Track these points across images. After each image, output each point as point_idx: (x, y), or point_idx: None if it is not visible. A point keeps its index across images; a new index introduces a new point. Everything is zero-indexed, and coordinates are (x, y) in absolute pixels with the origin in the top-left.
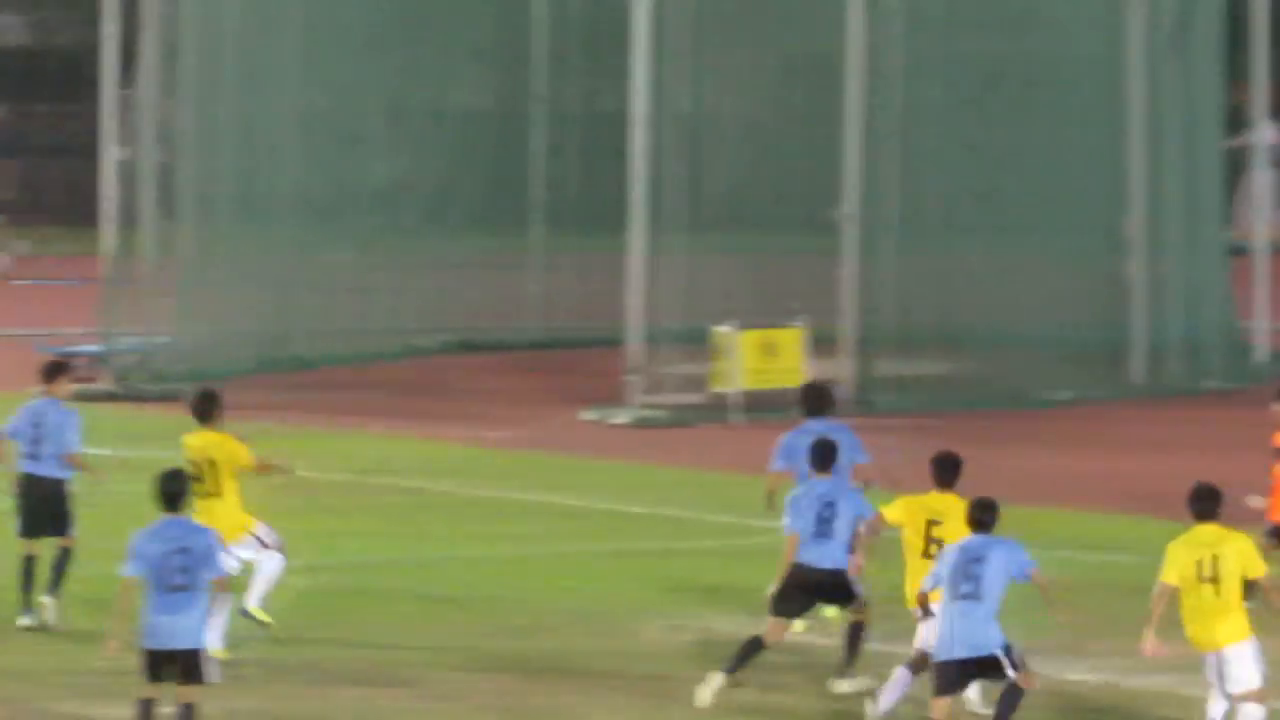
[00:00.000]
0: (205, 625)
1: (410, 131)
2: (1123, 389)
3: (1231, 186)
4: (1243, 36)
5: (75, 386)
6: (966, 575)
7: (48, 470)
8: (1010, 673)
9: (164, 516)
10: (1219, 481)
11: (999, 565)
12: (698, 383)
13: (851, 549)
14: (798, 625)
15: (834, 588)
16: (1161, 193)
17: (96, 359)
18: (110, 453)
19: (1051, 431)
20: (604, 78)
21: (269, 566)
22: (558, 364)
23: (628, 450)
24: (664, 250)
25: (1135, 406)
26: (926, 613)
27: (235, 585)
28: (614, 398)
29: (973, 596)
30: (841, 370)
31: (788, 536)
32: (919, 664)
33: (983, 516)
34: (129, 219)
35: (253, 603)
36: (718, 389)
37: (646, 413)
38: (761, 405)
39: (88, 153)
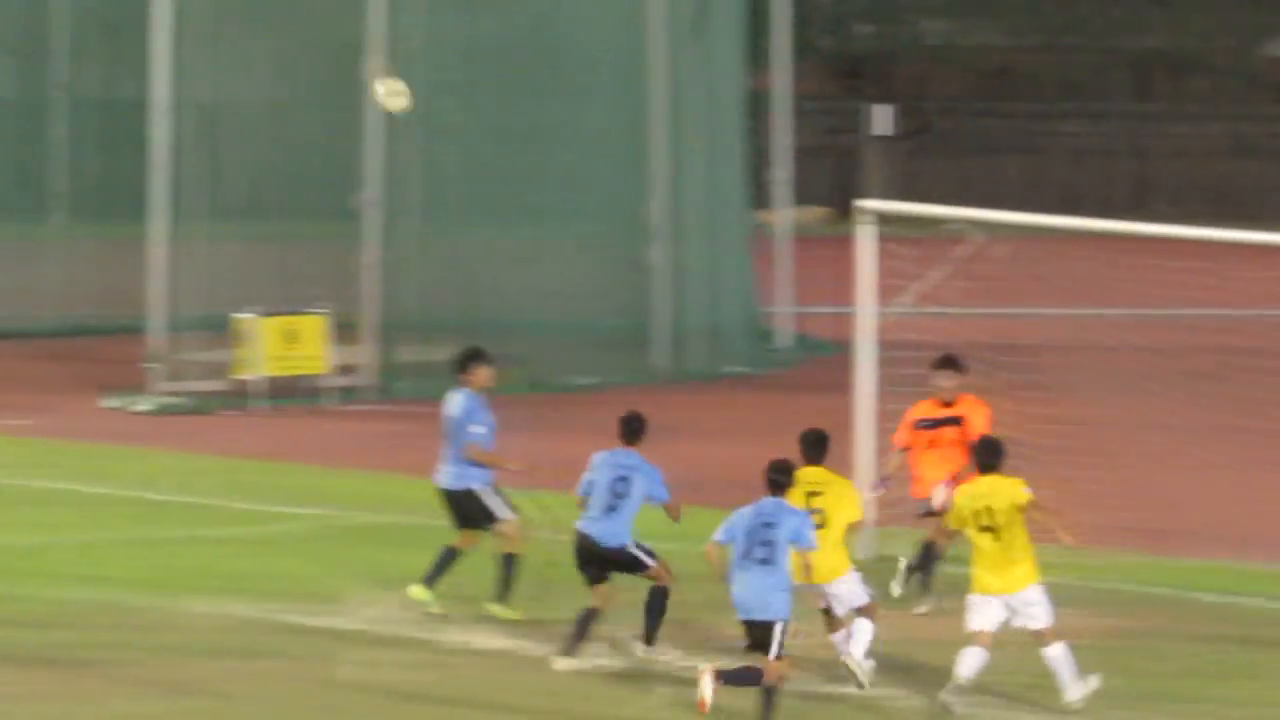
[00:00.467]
0: None
1: None
2: (646, 374)
3: (758, 172)
4: (763, 24)
5: None
6: (761, 540)
7: None
8: (772, 651)
9: None
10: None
11: (787, 533)
12: (219, 370)
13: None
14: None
15: (618, 565)
16: (684, 178)
17: None
18: None
19: (576, 417)
20: (124, 65)
21: None
22: (79, 352)
23: (150, 438)
24: (185, 238)
25: (658, 392)
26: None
27: None
28: (136, 385)
29: (768, 561)
30: (363, 357)
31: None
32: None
33: (779, 479)
34: None
35: None
36: (239, 376)
37: (168, 400)
38: (283, 392)
39: None
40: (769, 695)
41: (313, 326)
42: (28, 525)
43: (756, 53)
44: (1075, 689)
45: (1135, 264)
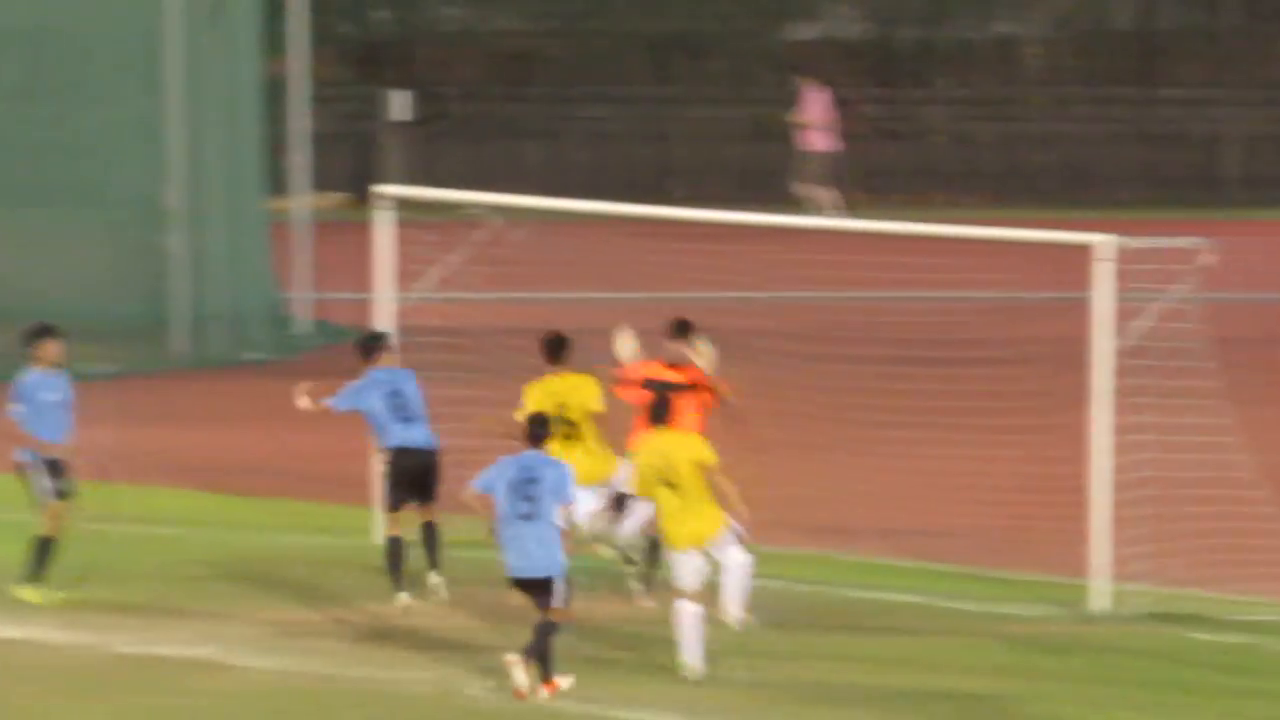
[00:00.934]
0: None
1: None
2: (165, 362)
3: (277, 158)
4: (280, 9)
5: None
6: (525, 495)
7: None
8: (555, 602)
9: None
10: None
11: (550, 486)
12: None
13: None
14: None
15: (431, 471)
16: (202, 164)
17: None
18: None
19: (99, 406)
20: None
21: None
22: None
23: None
24: None
25: (178, 379)
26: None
27: None
28: None
29: (531, 517)
30: None
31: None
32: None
33: (539, 431)
34: None
35: None
36: None
37: None
38: None
39: None
40: (550, 629)
41: None
42: None
43: (274, 38)
44: (737, 609)
45: (657, 248)
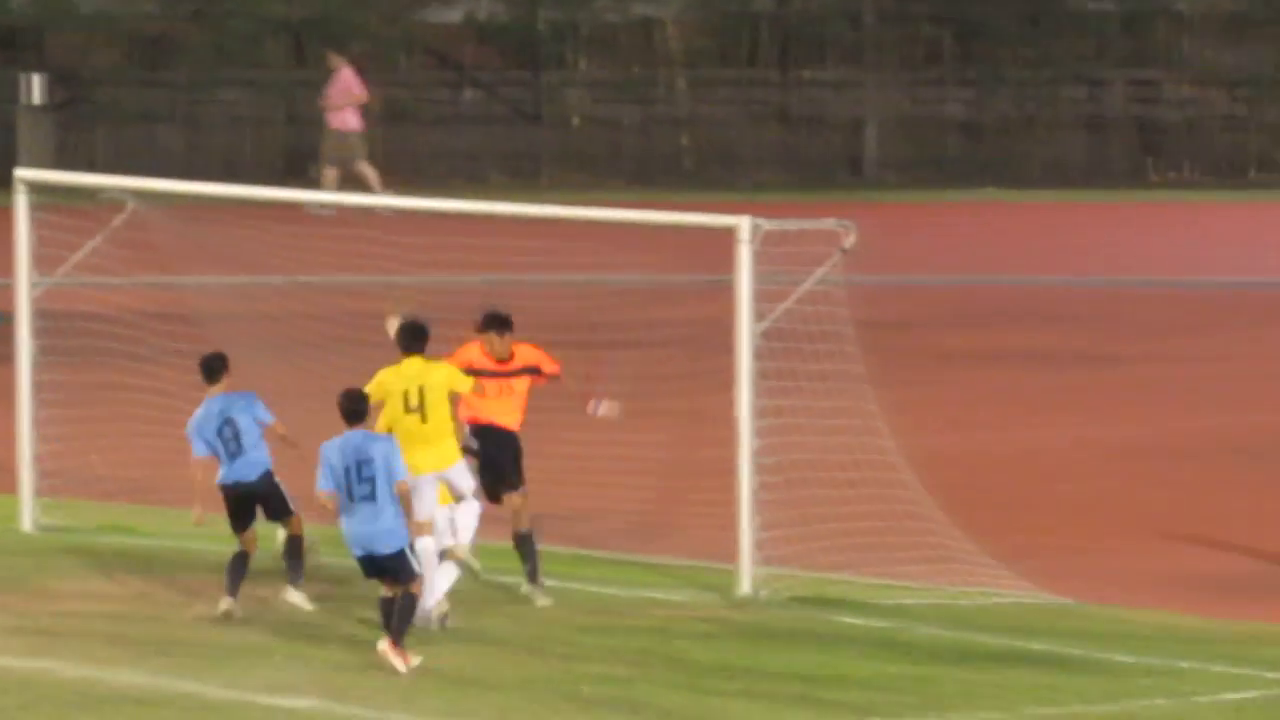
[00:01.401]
0: None
1: None
2: None
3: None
4: None
5: None
6: (360, 478)
7: None
8: (409, 573)
9: None
10: None
11: (381, 463)
12: None
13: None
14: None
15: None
16: None
17: None
18: None
19: None
20: None
21: None
22: None
23: None
24: None
25: None
26: None
27: None
28: None
29: (371, 497)
30: None
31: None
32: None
33: (356, 407)
34: None
35: None
36: None
37: None
38: None
39: None
40: (411, 602)
41: None
42: None
43: None
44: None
45: (296, 231)
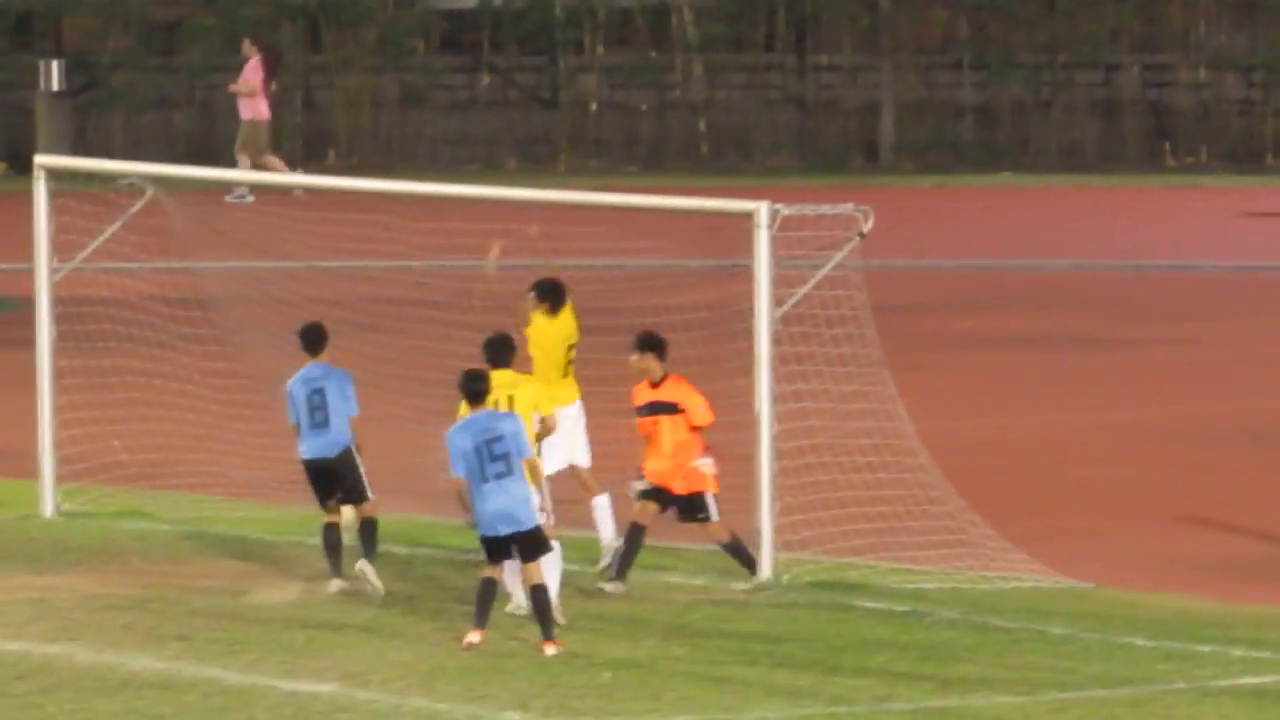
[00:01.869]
0: None
1: None
2: None
3: None
4: None
5: None
6: (493, 456)
7: None
8: (545, 550)
9: None
10: None
11: (513, 438)
12: None
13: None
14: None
15: (345, 480)
16: None
17: None
18: None
19: None
20: None
21: None
22: None
23: None
24: None
25: None
26: None
27: None
28: None
29: (506, 475)
30: None
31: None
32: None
33: (478, 386)
34: None
35: None
36: None
37: None
38: None
39: None
40: (543, 593)
41: None
42: None
43: None
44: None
45: (312, 217)
